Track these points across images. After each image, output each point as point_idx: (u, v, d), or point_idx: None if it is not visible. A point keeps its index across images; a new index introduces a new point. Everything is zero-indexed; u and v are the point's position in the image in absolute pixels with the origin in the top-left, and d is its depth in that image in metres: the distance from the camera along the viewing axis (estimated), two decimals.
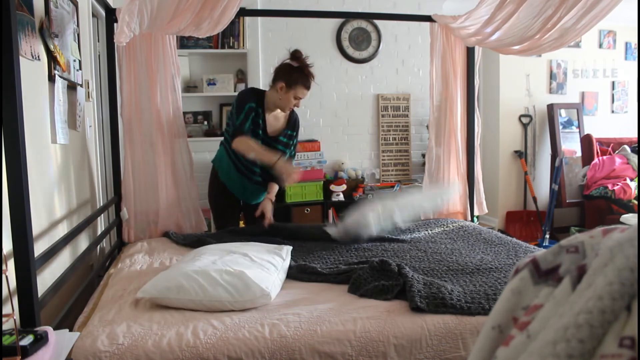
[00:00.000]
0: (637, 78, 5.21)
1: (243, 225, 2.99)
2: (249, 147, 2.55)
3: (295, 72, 2.57)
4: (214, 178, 2.90)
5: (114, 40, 2.31)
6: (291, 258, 2.19)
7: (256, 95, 2.69)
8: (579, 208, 4.97)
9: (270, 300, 1.75)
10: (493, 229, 3.55)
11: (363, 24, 4.65)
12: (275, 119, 2.75)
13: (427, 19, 3.27)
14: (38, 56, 1.84)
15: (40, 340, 1.24)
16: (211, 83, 4.29)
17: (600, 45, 5.17)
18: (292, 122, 2.80)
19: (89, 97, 2.68)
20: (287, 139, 2.78)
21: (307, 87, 2.62)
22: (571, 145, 5.02)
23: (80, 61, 2.46)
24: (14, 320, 1.24)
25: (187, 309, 1.69)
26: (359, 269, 1.97)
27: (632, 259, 0.48)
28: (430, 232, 2.84)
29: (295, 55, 2.61)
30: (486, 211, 3.49)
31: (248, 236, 2.55)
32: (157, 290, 1.72)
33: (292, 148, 2.82)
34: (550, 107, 4.92)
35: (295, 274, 2.06)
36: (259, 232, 2.64)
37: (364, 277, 1.90)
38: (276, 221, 2.83)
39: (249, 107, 2.60)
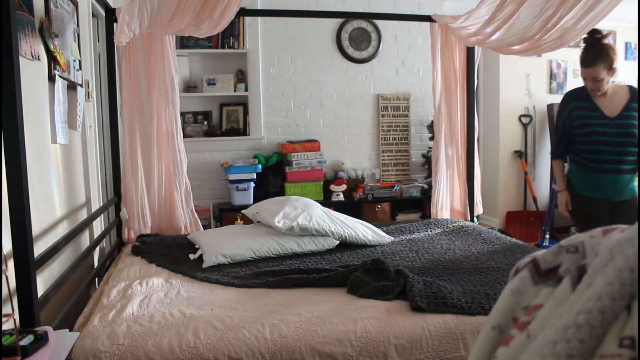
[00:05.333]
0: (637, 78, 5.20)
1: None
2: (556, 171, 2.69)
3: (581, 53, 2.45)
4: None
5: (114, 40, 2.31)
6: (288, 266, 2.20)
7: (572, 93, 2.63)
8: None
9: None
10: (493, 229, 3.55)
11: (363, 24, 4.64)
12: (610, 99, 2.50)
13: (427, 19, 3.27)
14: (38, 56, 1.84)
15: (40, 340, 1.24)
16: (211, 83, 4.29)
17: None
18: (633, 94, 2.50)
19: (89, 97, 2.68)
20: (630, 112, 2.47)
21: (585, 65, 2.43)
22: None
23: (80, 61, 2.46)
24: (14, 320, 1.24)
25: None
26: (354, 270, 1.97)
27: (632, 259, 0.47)
28: (429, 232, 2.84)
29: (589, 34, 2.45)
30: (481, 211, 3.49)
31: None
32: None
33: None
34: (550, 107, 4.92)
35: (296, 275, 2.06)
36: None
37: (361, 277, 1.90)
38: None
39: (567, 111, 2.57)
